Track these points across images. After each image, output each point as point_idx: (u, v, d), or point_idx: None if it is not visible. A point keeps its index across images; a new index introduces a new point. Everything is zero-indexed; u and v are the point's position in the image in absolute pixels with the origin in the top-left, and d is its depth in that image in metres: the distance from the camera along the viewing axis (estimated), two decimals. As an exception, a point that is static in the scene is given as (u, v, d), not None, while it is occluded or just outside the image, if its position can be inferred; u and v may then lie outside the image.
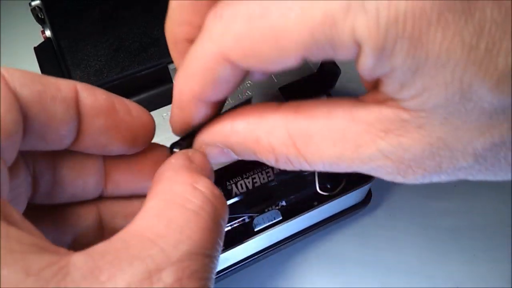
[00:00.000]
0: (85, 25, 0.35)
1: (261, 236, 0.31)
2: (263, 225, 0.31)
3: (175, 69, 0.31)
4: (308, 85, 0.32)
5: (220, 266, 0.34)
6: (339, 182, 0.33)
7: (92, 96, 0.17)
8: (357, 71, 0.15)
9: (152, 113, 0.30)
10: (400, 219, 0.39)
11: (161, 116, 0.30)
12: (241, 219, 0.32)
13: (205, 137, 0.20)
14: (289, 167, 0.18)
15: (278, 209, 0.31)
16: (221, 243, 0.15)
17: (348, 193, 0.33)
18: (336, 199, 0.32)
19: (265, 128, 0.17)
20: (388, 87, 0.14)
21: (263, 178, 0.32)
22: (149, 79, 0.30)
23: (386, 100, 0.15)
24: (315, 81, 0.32)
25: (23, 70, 0.16)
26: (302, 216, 0.32)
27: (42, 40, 0.39)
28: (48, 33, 0.38)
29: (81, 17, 0.35)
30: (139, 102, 0.31)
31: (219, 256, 0.15)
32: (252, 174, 0.32)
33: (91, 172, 0.19)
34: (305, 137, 0.16)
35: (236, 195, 0.31)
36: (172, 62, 0.30)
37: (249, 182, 0.32)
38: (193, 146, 0.21)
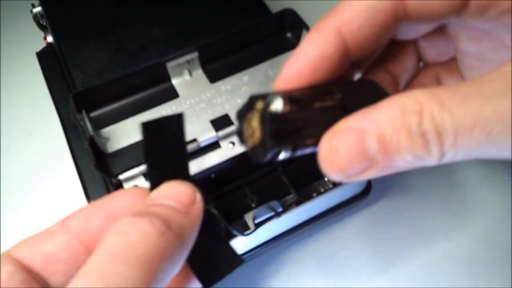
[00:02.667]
0: (85, 29, 0.36)
1: (260, 228, 0.32)
2: (263, 217, 0.32)
3: (172, 67, 0.31)
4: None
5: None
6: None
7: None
8: None
9: (152, 110, 0.31)
10: (400, 212, 0.40)
11: (161, 113, 0.31)
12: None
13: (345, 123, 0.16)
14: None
15: (278, 200, 0.32)
16: (161, 275, 0.14)
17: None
18: (335, 188, 0.33)
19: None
20: None
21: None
22: (148, 77, 0.31)
23: None
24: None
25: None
26: (302, 208, 0.32)
27: (43, 45, 0.40)
28: (50, 38, 0.39)
29: (81, 21, 0.36)
30: (139, 101, 0.32)
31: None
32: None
33: None
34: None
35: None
36: (169, 60, 0.31)
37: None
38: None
